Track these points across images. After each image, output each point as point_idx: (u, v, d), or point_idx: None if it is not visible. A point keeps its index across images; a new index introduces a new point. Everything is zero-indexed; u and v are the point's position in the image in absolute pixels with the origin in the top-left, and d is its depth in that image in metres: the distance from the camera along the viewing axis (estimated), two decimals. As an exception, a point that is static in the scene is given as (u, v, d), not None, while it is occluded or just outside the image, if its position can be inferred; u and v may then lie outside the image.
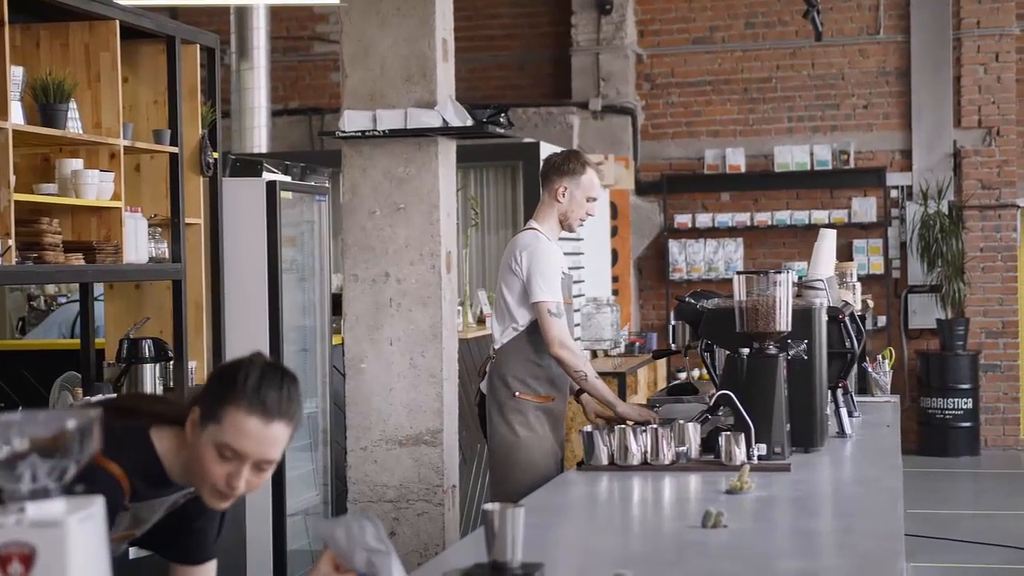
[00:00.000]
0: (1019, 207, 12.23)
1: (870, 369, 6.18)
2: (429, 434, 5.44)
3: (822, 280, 5.05)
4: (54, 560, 1.67)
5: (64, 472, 1.72)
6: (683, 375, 10.03)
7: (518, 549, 2.68)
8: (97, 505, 1.74)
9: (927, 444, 11.95)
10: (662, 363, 10.64)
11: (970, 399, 11.87)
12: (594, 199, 5.16)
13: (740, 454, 4.05)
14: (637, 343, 10.46)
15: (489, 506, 2.69)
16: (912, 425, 12.12)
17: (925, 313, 12.20)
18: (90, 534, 1.71)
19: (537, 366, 5.05)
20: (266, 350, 6.12)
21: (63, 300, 7.89)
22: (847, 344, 4.84)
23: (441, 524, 5.47)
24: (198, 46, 5.71)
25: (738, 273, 4.32)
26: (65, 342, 6.65)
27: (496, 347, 5.16)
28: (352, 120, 5.41)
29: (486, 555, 2.68)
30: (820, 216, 12.19)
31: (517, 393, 5.05)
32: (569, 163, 5.15)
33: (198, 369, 5.71)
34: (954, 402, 11.85)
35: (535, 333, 5.05)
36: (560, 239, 7.90)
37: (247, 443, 2.50)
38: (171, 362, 5.44)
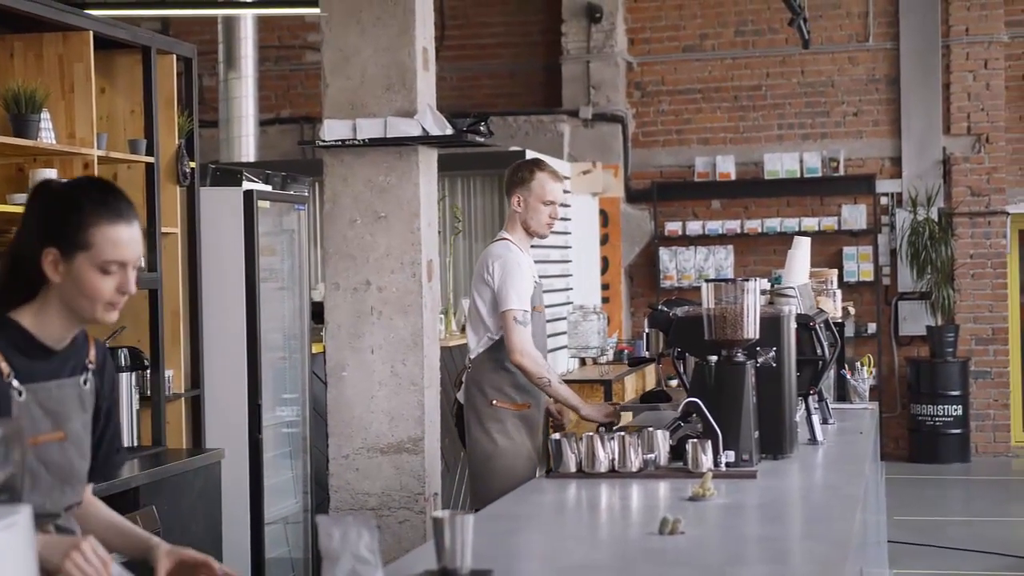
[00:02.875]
0: (1008, 214, 12.24)
1: (848, 376, 6.18)
2: (410, 442, 5.45)
3: (793, 287, 5.06)
4: (-24, 568, 1.69)
5: (-12, 481, 1.74)
6: (674, 383, 10.03)
7: (467, 556, 2.70)
8: (23, 514, 1.76)
9: (917, 451, 11.95)
10: (651, 370, 10.65)
11: (960, 406, 11.87)
12: (551, 202, 5.20)
13: (707, 461, 4.06)
14: (626, 351, 10.46)
15: (438, 514, 2.71)
16: (902, 432, 12.14)
17: (915, 320, 12.21)
18: (13, 543, 1.73)
19: (512, 374, 5.10)
20: (244, 358, 6.15)
21: None
22: (818, 351, 4.84)
23: (423, 532, 5.47)
24: (175, 56, 5.73)
25: (707, 281, 4.33)
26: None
27: (471, 356, 5.22)
28: (332, 129, 5.43)
29: (435, 562, 2.70)
30: (810, 223, 12.20)
31: (494, 401, 5.11)
32: (518, 172, 5.24)
33: (175, 378, 5.73)
34: (944, 409, 11.85)
35: None
36: (545, 247, 7.94)
37: (125, 251, 2.65)
38: (147, 371, 5.45)
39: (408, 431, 5.42)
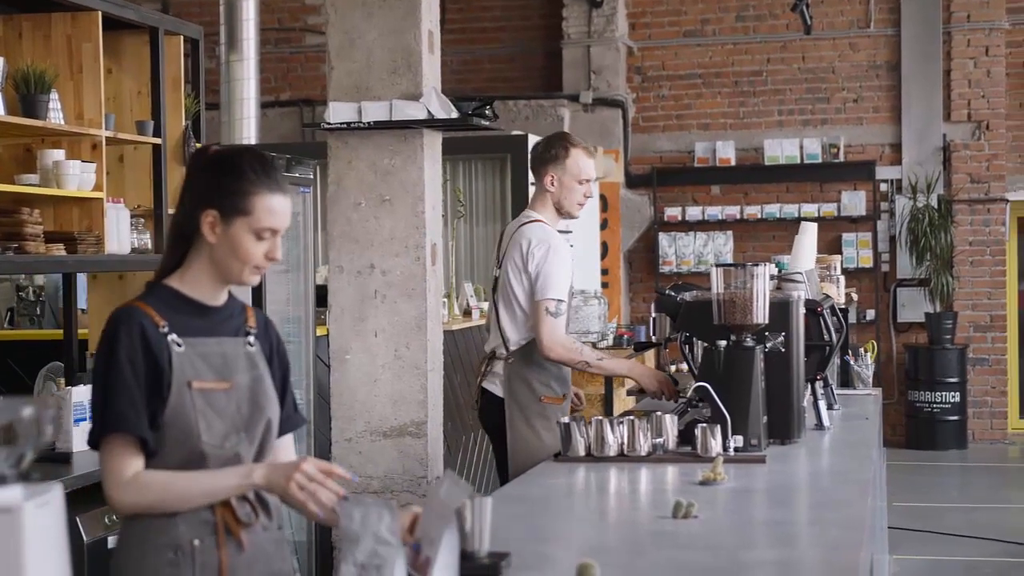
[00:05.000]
0: (1008, 201, 12.26)
1: (852, 362, 6.19)
2: (414, 425, 5.45)
3: (801, 273, 5.06)
4: (10, 546, 1.69)
5: (21, 459, 1.74)
6: (673, 367, 10.04)
7: (485, 538, 2.70)
8: (56, 492, 1.76)
9: (915, 438, 11.98)
10: (650, 356, 10.67)
11: (958, 393, 11.90)
12: (586, 180, 5.02)
13: (716, 446, 4.06)
14: (626, 336, 10.47)
15: (457, 496, 2.71)
16: (900, 418, 12.16)
17: (914, 307, 12.23)
18: (47, 520, 1.73)
19: (556, 366, 4.99)
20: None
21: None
22: (825, 337, 4.85)
23: (425, 516, 5.48)
24: (182, 37, 5.72)
25: (716, 265, 4.33)
26: (50, 332, 6.66)
27: (511, 348, 5.02)
28: (337, 112, 5.42)
29: (454, 544, 2.70)
30: (810, 209, 12.21)
31: (542, 398, 4.98)
32: (551, 149, 5.04)
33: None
34: (942, 396, 11.88)
35: None
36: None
37: (279, 220, 2.80)
38: (153, 352, 5.45)
39: (411, 415, 5.42)
